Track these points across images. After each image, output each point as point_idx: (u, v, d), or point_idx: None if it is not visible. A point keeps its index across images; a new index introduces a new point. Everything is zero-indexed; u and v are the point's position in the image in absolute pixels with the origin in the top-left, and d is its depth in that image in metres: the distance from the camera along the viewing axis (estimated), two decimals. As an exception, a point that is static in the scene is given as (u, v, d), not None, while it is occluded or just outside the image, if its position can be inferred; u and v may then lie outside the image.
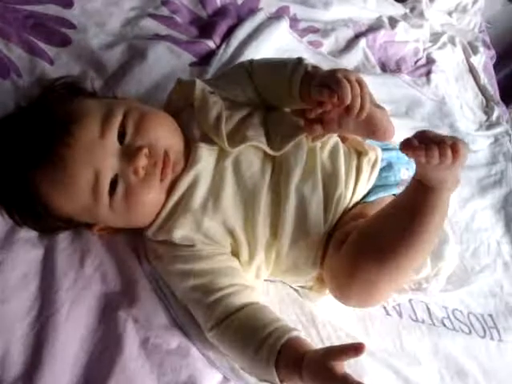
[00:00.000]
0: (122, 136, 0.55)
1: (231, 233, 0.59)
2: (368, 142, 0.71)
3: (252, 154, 0.61)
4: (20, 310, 0.53)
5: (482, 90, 1.21)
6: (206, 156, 0.59)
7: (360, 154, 0.67)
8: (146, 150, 0.55)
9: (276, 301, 0.65)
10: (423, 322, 0.74)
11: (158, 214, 0.58)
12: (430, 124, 1.01)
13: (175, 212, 0.58)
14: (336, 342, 0.64)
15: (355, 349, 0.47)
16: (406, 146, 0.48)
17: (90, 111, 0.56)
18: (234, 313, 0.55)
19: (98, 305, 0.57)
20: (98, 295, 0.57)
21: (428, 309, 0.76)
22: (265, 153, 0.61)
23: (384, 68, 1.08)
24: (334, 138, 0.67)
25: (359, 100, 0.53)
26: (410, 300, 0.75)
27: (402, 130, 0.96)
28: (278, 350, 0.51)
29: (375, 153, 0.67)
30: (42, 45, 0.73)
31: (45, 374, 0.50)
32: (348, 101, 0.52)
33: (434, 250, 0.78)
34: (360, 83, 0.53)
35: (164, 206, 0.58)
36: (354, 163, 0.66)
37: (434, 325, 0.74)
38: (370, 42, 1.09)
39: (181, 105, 0.64)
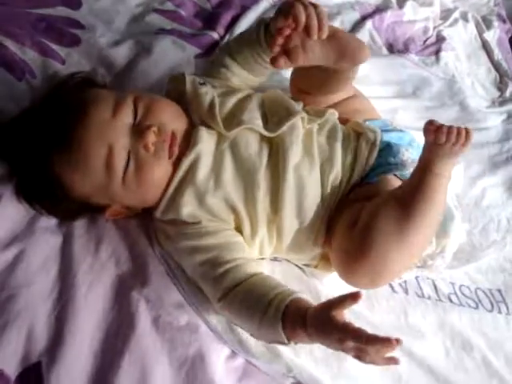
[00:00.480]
0: (133, 117, 0.60)
1: (233, 209, 0.62)
2: (368, 123, 0.72)
3: (249, 136, 0.63)
4: (42, 292, 0.58)
5: (496, 65, 1.19)
6: (206, 138, 0.63)
7: (359, 135, 0.69)
8: (154, 128, 0.59)
9: (282, 279, 0.68)
10: (429, 297, 0.75)
11: (165, 191, 0.62)
12: (438, 103, 1.01)
13: (180, 189, 0.62)
14: (340, 318, 0.67)
15: (352, 297, 0.50)
16: (430, 127, 0.52)
17: (103, 96, 0.60)
18: (241, 283, 0.58)
19: (112, 286, 0.61)
20: (112, 278, 0.62)
21: (434, 285, 0.76)
22: (262, 134, 0.64)
23: (391, 49, 1.08)
24: (332, 120, 0.69)
25: (315, 18, 0.53)
26: (416, 277, 0.76)
27: (410, 111, 0.98)
28: (283, 311, 0.54)
29: (374, 134, 0.68)
30: (53, 46, 0.78)
31: (66, 348, 0.55)
32: (303, 19, 0.53)
33: (439, 228, 0.80)
34: (314, 4, 0.54)
35: (170, 183, 0.62)
36: (352, 144, 0.68)
37: (441, 300, 0.75)
38: (376, 23, 1.08)
39: (176, 99, 0.67)
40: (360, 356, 0.50)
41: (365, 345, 0.48)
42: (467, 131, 0.56)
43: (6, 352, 0.53)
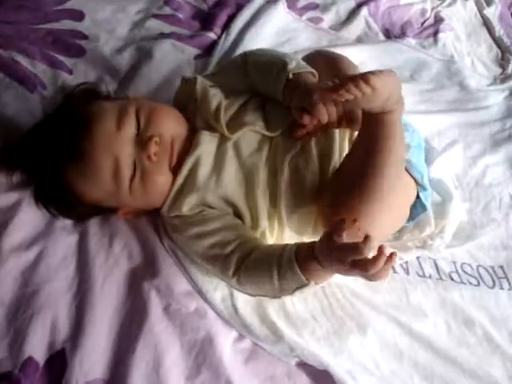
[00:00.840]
0: (136, 127, 0.64)
1: (234, 206, 0.66)
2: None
3: (251, 136, 0.67)
4: (63, 286, 0.64)
5: (498, 42, 1.18)
6: (207, 141, 0.67)
7: None
8: (156, 139, 0.63)
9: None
10: (430, 277, 0.76)
11: (169, 192, 0.67)
12: (437, 84, 1.02)
13: (182, 191, 0.66)
14: (342, 300, 0.69)
15: (340, 220, 0.54)
16: (322, 93, 0.53)
17: (107, 109, 0.65)
18: (249, 254, 0.62)
19: (125, 278, 0.66)
20: (125, 270, 0.67)
21: (436, 264, 0.77)
22: (263, 134, 0.67)
23: (388, 34, 1.09)
24: None
25: (335, 116, 0.60)
26: (417, 257, 0.77)
27: (408, 95, 0.98)
28: (295, 254, 0.59)
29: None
30: (61, 57, 0.83)
31: (86, 335, 0.60)
32: (325, 121, 0.59)
33: (437, 209, 0.82)
34: (339, 94, 0.52)
35: (173, 185, 0.66)
36: (348, 133, 0.70)
37: (441, 279, 0.75)
38: (372, 9, 1.10)
39: (185, 100, 0.72)
40: (365, 270, 0.52)
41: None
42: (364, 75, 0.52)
43: (34, 341, 0.59)
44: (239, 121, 0.67)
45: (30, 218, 0.67)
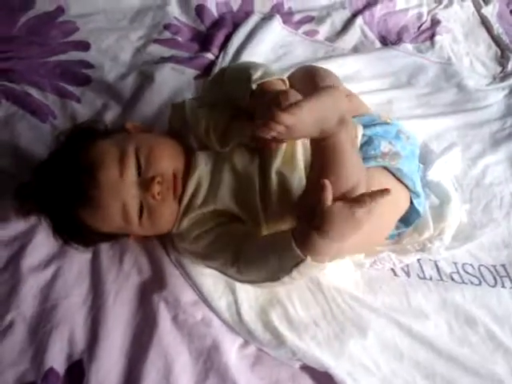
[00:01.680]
0: (137, 170, 0.67)
1: (231, 213, 0.69)
2: (352, 120, 0.77)
3: (242, 149, 0.70)
4: (78, 301, 0.69)
5: (496, 40, 1.19)
6: (203, 161, 0.70)
7: None
8: (158, 179, 0.66)
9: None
10: (431, 278, 0.77)
11: (176, 217, 0.70)
12: (434, 88, 1.03)
13: (187, 211, 0.69)
14: (342, 304, 0.72)
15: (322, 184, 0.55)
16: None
17: (107, 155, 0.67)
18: (247, 242, 0.64)
19: (136, 292, 0.70)
20: (135, 284, 0.71)
21: (436, 266, 0.78)
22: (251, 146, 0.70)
23: (385, 41, 1.11)
24: None
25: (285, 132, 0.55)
26: (418, 260, 0.79)
27: (405, 100, 1.01)
28: (291, 230, 0.58)
29: (355, 131, 0.73)
30: (69, 87, 0.89)
31: (102, 346, 0.65)
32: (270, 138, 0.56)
33: (436, 212, 0.83)
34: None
35: (179, 210, 0.69)
36: None
37: (442, 280, 0.77)
38: (367, 18, 1.12)
39: (179, 123, 0.75)
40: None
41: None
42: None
43: (54, 352, 0.64)
44: (229, 136, 0.70)
45: (45, 240, 0.72)
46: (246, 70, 0.68)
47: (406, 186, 0.74)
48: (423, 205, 0.77)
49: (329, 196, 0.55)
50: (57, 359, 0.63)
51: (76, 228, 0.69)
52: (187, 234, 0.69)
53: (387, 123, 0.81)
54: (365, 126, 0.77)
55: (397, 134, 0.79)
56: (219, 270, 0.69)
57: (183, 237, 0.70)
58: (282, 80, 0.68)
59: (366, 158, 0.72)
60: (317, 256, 0.57)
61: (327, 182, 0.55)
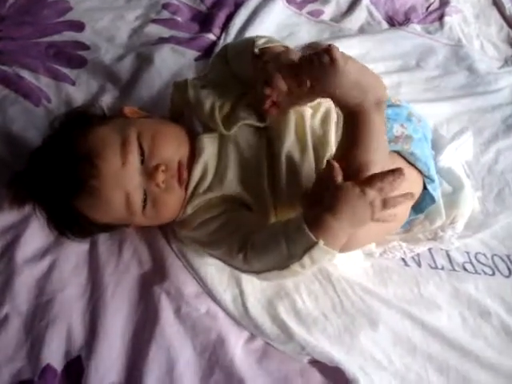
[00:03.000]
0: (140, 157, 0.63)
1: (238, 199, 0.66)
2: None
3: (248, 131, 0.67)
4: (76, 294, 0.66)
5: (509, 20, 1.14)
6: (208, 144, 0.67)
7: None
8: (162, 167, 0.63)
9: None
10: (442, 268, 0.74)
11: (182, 204, 0.66)
12: (444, 70, 0.99)
13: (192, 196, 0.66)
14: (352, 296, 0.69)
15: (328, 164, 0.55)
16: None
17: (108, 141, 0.63)
18: (254, 229, 0.61)
19: (136, 283, 0.67)
20: (135, 276, 0.68)
21: (448, 255, 0.76)
22: (258, 127, 0.67)
23: (392, 22, 1.07)
24: (326, 105, 0.71)
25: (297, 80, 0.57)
26: (429, 249, 0.76)
27: (415, 83, 0.97)
28: (302, 214, 0.57)
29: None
30: (63, 70, 0.85)
31: (101, 342, 0.62)
32: (284, 89, 0.57)
33: (448, 199, 0.80)
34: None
35: (185, 197, 0.66)
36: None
37: (455, 270, 0.74)
38: (374, -3, 1.08)
39: (181, 105, 0.72)
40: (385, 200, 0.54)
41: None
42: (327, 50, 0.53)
43: (51, 349, 0.61)
44: (233, 117, 0.67)
45: (40, 230, 0.69)
46: (249, 40, 0.65)
47: (419, 171, 0.71)
48: (438, 190, 0.74)
49: (339, 176, 0.55)
50: (54, 356, 0.61)
51: (73, 219, 0.66)
52: (191, 220, 0.66)
53: (397, 105, 0.77)
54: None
55: (408, 117, 0.76)
56: (222, 259, 0.66)
57: (186, 223, 0.67)
58: (284, 47, 0.65)
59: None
60: (329, 238, 0.54)
61: (335, 163, 0.55)
